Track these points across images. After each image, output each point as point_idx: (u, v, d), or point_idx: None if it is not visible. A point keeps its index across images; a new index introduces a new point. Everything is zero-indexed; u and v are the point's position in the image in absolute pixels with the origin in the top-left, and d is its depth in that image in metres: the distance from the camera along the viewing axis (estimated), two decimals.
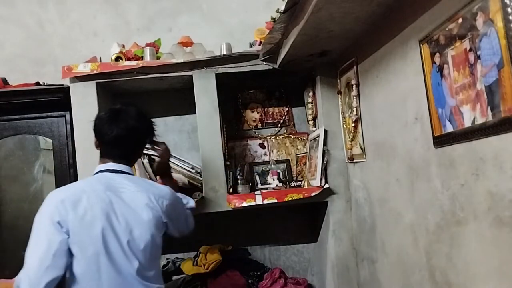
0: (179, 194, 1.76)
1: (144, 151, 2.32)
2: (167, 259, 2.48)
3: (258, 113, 2.62)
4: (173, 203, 1.62)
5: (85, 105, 2.16)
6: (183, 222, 1.73)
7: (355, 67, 1.95)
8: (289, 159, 2.55)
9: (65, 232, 1.39)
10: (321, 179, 2.17)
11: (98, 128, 1.61)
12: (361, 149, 1.97)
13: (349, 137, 2.07)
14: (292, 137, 2.59)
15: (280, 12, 1.71)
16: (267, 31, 2.01)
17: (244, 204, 2.14)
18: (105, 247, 1.42)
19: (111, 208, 1.46)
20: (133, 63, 2.17)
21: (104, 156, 1.60)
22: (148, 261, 1.49)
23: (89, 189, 1.48)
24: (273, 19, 1.98)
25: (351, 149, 2.09)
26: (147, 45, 2.34)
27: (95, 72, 2.14)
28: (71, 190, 1.49)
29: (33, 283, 1.33)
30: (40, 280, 1.33)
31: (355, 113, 1.97)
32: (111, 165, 1.57)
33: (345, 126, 2.15)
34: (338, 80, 2.18)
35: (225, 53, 2.29)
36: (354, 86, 1.96)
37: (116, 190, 1.51)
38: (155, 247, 1.53)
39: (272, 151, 2.58)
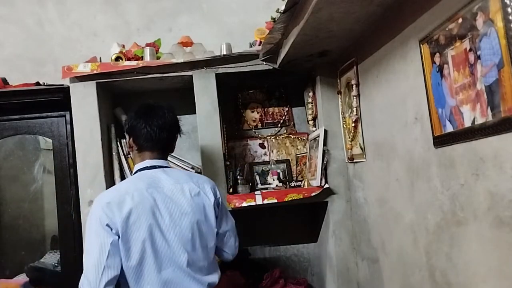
0: None
1: None
2: None
3: (258, 113, 2.62)
4: (214, 186, 1.67)
5: (85, 105, 2.16)
6: (231, 227, 1.71)
7: (355, 67, 1.95)
8: (289, 159, 2.55)
9: (114, 233, 1.43)
10: (321, 179, 2.17)
11: (133, 125, 1.63)
12: (361, 149, 1.97)
13: (349, 137, 2.08)
14: (292, 137, 2.59)
15: (280, 12, 1.71)
16: (267, 31, 2.01)
17: (244, 204, 2.14)
18: (152, 245, 1.46)
19: (154, 205, 1.50)
20: (133, 63, 2.17)
21: (141, 153, 1.63)
22: (199, 251, 1.54)
23: (132, 189, 1.51)
24: (273, 19, 1.98)
25: (351, 149, 2.09)
26: (147, 45, 2.35)
27: (95, 72, 2.14)
28: (114, 192, 1.52)
29: (93, 285, 1.39)
30: (99, 282, 1.39)
31: (355, 113, 1.97)
32: (148, 162, 1.61)
33: (345, 126, 2.15)
34: (338, 80, 2.18)
35: (225, 53, 2.29)
36: (354, 86, 1.96)
37: (156, 186, 1.54)
38: (204, 235, 1.56)
39: (272, 151, 2.58)
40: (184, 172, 1.70)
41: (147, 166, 1.60)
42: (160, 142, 1.63)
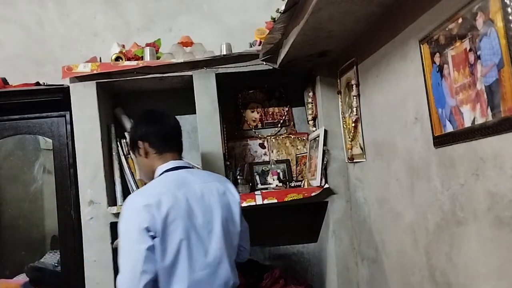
0: None
1: None
2: None
3: (258, 113, 2.62)
4: (233, 185, 1.73)
5: (85, 105, 2.16)
6: (246, 223, 1.76)
7: (355, 67, 1.95)
8: (289, 159, 2.55)
9: (152, 236, 1.43)
10: (321, 179, 2.17)
11: (148, 131, 1.67)
12: (361, 149, 1.97)
13: (349, 137, 2.08)
14: (292, 137, 2.59)
15: (280, 12, 1.71)
16: (267, 31, 2.01)
17: (244, 204, 2.14)
18: (187, 244, 1.48)
19: (188, 205, 1.52)
20: (133, 63, 2.17)
21: (161, 156, 1.66)
22: (228, 249, 1.58)
23: (165, 190, 1.52)
24: (273, 19, 1.98)
25: (351, 149, 2.09)
26: (147, 45, 2.34)
27: (95, 72, 2.14)
28: (149, 194, 1.51)
29: (126, 285, 1.41)
30: (137, 286, 1.40)
31: (355, 113, 1.97)
32: (173, 163, 1.64)
33: (345, 126, 2.15)
34: (338, 80, 2.18)
35: (225, 53, 2.29)
36: (354, 86, 1.96)
37: (187, 186, 1.57)
38: (231, 234, 1.61)
39: (272, 151, 2.58)
40: (206, 172, 1.76)
41: (173, 167, 1.63)
42: (177, 143, 1.71)
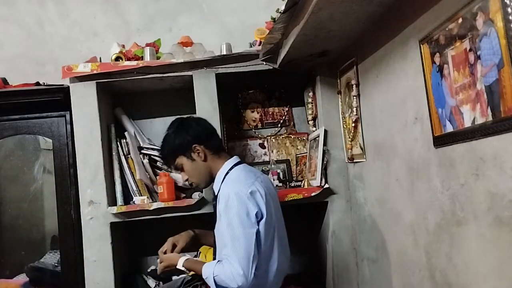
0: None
1: (145, 151, 2.34)
2: None
3: (258, 113, 2.62)
4: None
5: (85, 105, 2.16)
6: None
7: (355, 67, 1.95)
8: (289, 159, 2.55)
9: (258, 221, 1.57)
10: (321, 179, 2.17)
11: (199, 134, 1.75)
12: (361, 149, 1.97)
13: (349, 137, 2.07)
14: (292, 137, 2.59)
15: (280, 12, 1.71)
16: (267, 31, 2.00)
17: None
18: (278, 228, 1.65)
19: (274, 192, 1.74)
20: (133, 63, 2.17)
21: (219, 155, 1.77)
22: None
23: (254, 179, 1.65)
24: (273, 19, 1.98)
25: (351, 149, 2.09)
26: (147, 45, 2.34)
27: (95, 72, 2.14)
28: (248, 182, 1.63)
29: (247, 275, 1.49)
30: (251, 270, 1.51)
31: (355, 113, 1.97)
32: (235, 159, 1.77)
33: (345, 126, 2.15)
34: (338, 80, 2.18)
35: (225, 53, 2.29)
36: (354, 86, 1.96)
37: (261, 176, 1.74)
38: None
39: (272, 151, 2.57)
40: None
41: (237, 162, 1.75)
42: (221, 142, 1.92)
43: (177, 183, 2.29)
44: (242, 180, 1.65)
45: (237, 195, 1.57)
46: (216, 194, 1.74)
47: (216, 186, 1.75)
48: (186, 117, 1.88)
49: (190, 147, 1.73)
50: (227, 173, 1.71)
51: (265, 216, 1.58)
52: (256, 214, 1.55)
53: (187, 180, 1.80)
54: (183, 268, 1.71)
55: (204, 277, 1.60)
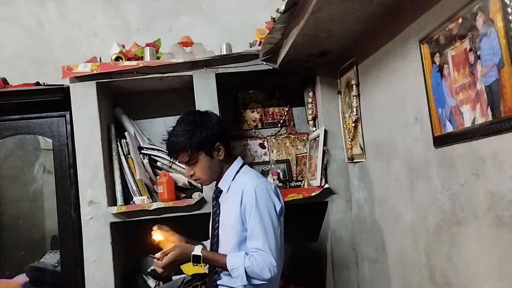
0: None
1: (145, 151, 2.34)
2: None
3: (258, 113, 2.62)
4: None
5: (85, 105, 2.16)
6: None
7: (355, 67, 1.95)
8: (289, 159, 2.55)
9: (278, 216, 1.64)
10: (321, 179, 2.17)
11: (221, 132, 1.73)
12: (361, 149, 1.97)
13: (349, 137, 2.07)
14: (292, 137, 2.59)
15: (280, 12, 1.71)
16: (267, 31, 2.01)
17: None
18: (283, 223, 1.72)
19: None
20: (133, 63, 2.17)
21: (230, 155, 1.77)
22: None
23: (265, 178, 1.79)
24: (273, 19, 1.98)
25: (351, 149, 2.09)
26: (147, 45, 2.34)
27: (95, 72, 2.14)
28: (266, 179, 1.77)
29: (279, 265, 1.56)
30: (281, 260, 1.60)
31: (355, 113, 1.97)
32: (241, 159, 1.79)
33: (345, 126, 2.15)
34: (338, 80, 2.18)
35: (225, 53, 2.29)
36: (354, 86, 1.96)
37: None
38: None
39: (272, 151, 2.57)
40: None
41: (243, 162, 1.80)
42: None
43: (177, 183, 2.29)
44: (260, 177, 1.73)
45: (265, 190, 1.62)
46: (221, 191, 1.76)
47: (225, 183, 1.74)
48: (204, 112, 1.77)
49: (214, 145, 1.69)
50: (237, 171, 1.74)
51: (283, 212, 1.66)
52: (282, 209, 1.64)
53: (192, 175, 1.73)
54: (200, 254, 1.59)
55: (229, 268, 1.57)
